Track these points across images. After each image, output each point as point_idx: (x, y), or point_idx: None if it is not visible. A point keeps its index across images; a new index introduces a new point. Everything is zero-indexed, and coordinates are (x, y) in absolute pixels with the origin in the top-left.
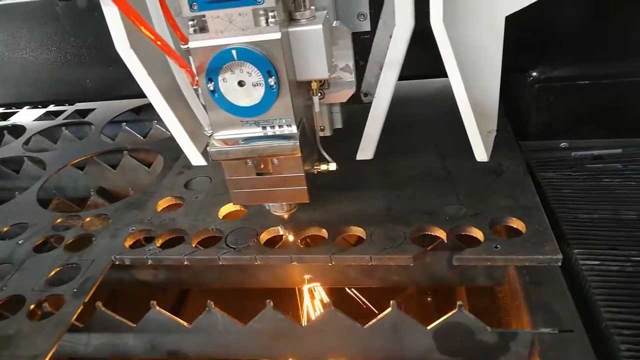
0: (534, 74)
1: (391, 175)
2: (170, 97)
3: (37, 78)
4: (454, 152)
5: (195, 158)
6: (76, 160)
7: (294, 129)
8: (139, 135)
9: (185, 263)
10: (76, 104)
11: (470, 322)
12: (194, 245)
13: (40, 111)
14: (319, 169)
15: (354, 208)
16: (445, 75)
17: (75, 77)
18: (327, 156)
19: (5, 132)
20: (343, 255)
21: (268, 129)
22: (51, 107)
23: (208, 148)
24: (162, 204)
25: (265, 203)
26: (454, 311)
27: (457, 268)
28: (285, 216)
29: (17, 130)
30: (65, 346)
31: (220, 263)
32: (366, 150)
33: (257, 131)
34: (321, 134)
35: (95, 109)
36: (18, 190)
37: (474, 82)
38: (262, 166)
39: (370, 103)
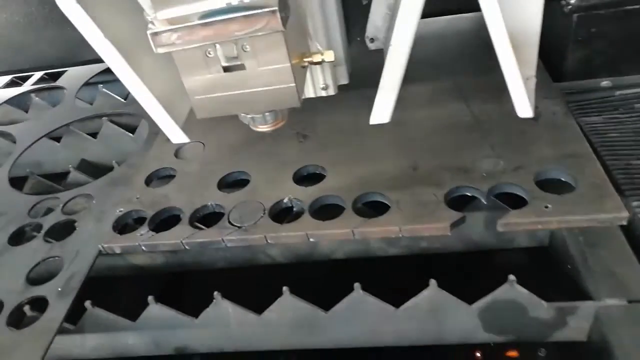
0: (572, 1)
1: (411, 127)
2: (135, 59)
3: None
4: (480, 95)
5: (174, 133)
6: (50, 132)
7: None
8: (119, 98)
9: (185, 248)
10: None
11: (523, 298)
12: (192, 226)
13: (4, 78)
14: (312, 60)
15: (372, 170)
16: (452, 12)
17: (27, 42)
18: (319, 46)
19: None
20: (367, 228)
21: None
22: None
23: (148, 32)
24: (152, 177)
25: (241, 113)
26: (504, 286)
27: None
28: (269, 130)
29: None
30: (56, 349)
31: (225, 245)
32: (381, 112)
33: (218, 1)
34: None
35: (67, 70)
36: None
37: (510, 16)
38: (230, 56)
39: (379, 51)
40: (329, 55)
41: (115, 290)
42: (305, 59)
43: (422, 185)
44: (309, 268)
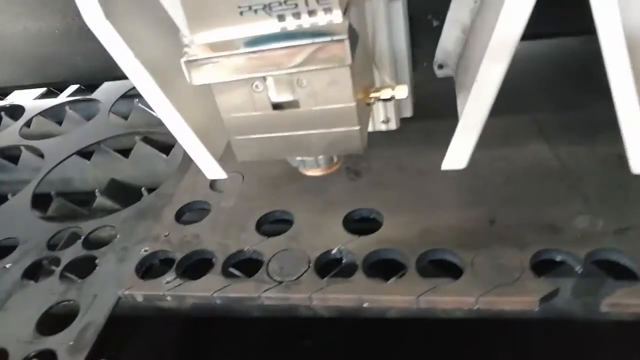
0: None
1: (483, 170)
2: (169, 83)
3: (14, 56)
4: (564, 135)
5: (210, 168)
6: (80, 149)
7: (337, 15)
8: (154, 113)
9: (216, 302)
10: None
11: None
12: (225, 274)
13: (39, 90)
14: (378, 96)
15: (438, 219)
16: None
17: (63, 53)
18: (388, 79)
19: (2, 113)
20: (437, 296)
21: (289, 19)
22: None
23: (183, 60)
24: (183, 211)
25: (290, 157)
26: None
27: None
28: (320, 174)
29: (16, 111)
30: None
31: (262, 303)
32: (457, 156)
33: (271, 25)
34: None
35: (103, 82)
36: (16, 184)
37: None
38: (281, 93)
39: (450, 79)
40: (402, 91)
41: (141, 328)
42: (372, 95)
43: (501, 245)
44: (356, 324)
